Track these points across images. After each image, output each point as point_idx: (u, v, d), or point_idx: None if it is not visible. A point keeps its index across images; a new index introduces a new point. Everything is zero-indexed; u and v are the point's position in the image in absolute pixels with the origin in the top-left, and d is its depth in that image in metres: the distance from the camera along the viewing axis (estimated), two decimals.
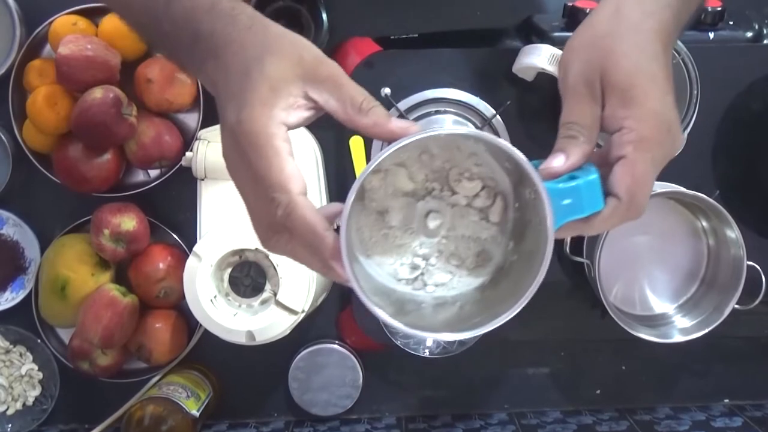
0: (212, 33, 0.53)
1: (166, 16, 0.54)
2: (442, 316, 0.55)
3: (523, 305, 0.54)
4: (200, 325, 0.96)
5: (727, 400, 1.13)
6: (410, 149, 0.54)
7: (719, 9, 0.96)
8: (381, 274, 0.55)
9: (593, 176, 0.52)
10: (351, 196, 0.50)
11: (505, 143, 0.52)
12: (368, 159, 0.98)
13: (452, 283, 0.56)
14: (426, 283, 0.56)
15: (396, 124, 0.53)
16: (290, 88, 0.52)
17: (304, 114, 0.53)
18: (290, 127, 0.52)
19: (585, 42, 0.56)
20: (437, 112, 0.98)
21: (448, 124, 0.83)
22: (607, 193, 0.53)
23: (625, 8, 0.55)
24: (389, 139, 0.52)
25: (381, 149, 0.64)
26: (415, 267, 0.56)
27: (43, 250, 1.05)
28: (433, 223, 0.55)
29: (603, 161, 0.55)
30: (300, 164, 0.53)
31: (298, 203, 0.51)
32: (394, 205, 0.56)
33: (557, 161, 0.55)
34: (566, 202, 0.52)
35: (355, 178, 0.67)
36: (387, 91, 0.97)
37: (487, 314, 0.54)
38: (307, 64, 0.52)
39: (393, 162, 0.55)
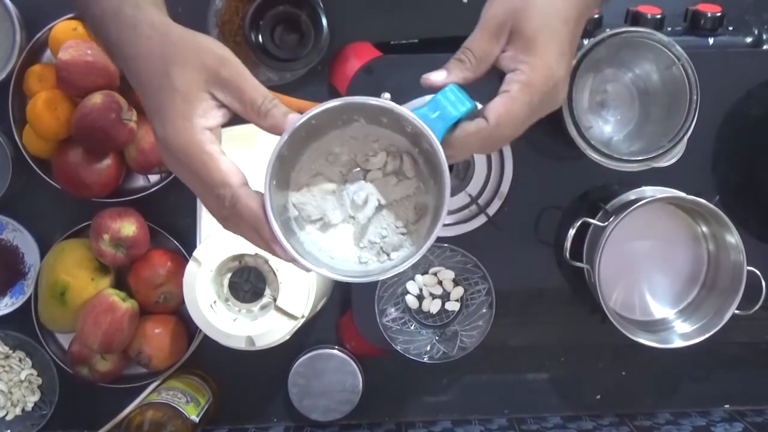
0: (119, 42, 0.57)
1: (87, 18, 0.59)
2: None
3: (438, 227, 0.59)
4: (200, 330, 0.96)
5: (727, 406, 1.13)
6: (317, 158, 0.61)
7: (719, 14, 0.96)
8: (348, 264, 0.61)
9: (450, 86, 0.59)
10: (270, 217, 0.56)
11: (372, 101, 0.56)
12: None
13: (406, 243, 0.62)
14: (388, 253, 0.62)
15: (291, 122, 0.56)
16: (200, 94, 0.56)
17: (220, 112, 0.58)
18: (212, 128, 0.57)
19: None
20: None
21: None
22: (479, 116, 0.59)
23: None
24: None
25: None
26: (373, 245, 0.61)
27: (42, 255, 1.05)
28: (361, 200, 0.60)
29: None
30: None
31: (239, 195, 0.56)
32: (328, 207, 0.61)
33: (437, 74, 0.60)
34: (435, 115, 0.58)
35: None
36: (387, 95, 0.96)
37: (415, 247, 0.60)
38: (209, 68, 0.56)
39: (308, 174, 0.61)
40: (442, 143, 0.58)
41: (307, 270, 0.57)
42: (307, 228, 0.62)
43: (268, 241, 0.57)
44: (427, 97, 0.60)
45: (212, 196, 0.57)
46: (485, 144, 0.60)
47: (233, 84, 0.57)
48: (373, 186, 0.61)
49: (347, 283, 0.65)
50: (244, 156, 0.98)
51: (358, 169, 0.62)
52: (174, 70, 0.55)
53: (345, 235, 0.62)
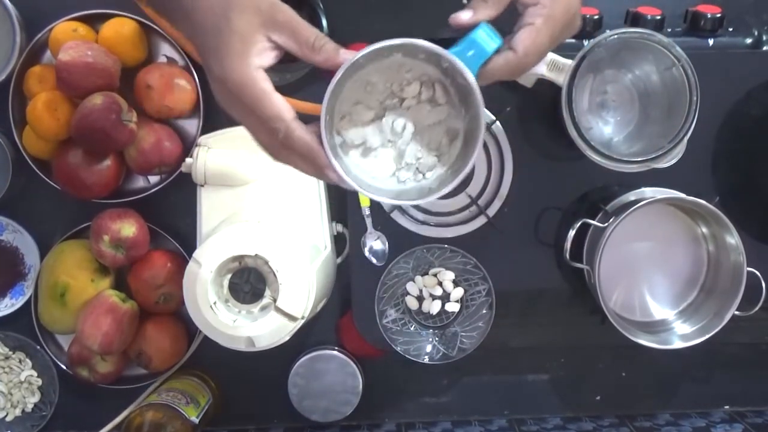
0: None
1: None
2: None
3: (474, 156, 0.64)
4: (200, 331, 0.96)
5: (727, 407, 1.13)
6: (357, 88, 0.66)
7: (719, 15, 0.96)
8: (389, 184, 0.67)
9: (482, 25, 0.64)
10: (324, 137, 0.61)
11: (414, 41, 0.62)
12: None
13: (439, 164, 0.68)
14: (424, 173, 0.68)
15: (343, 56, 0.61)
16: (256, 36, 0.60)
17: (273, 54, 0.62)
18: (266, 67, 0.61)
19: None
20: None
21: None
22: (508, 48, 0.65)
23: None
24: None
25: None
26: (410, 167, 0.68)
27: (42, 256, 1.05)
28: (400, 127, 0.66)
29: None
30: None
31: (292, 128, 0.61)
32: (368, 133, 0.66)
33: (465, 14, 0.65)
34: (470, 53, 0.64)
35: None
36: None
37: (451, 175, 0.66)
38: (265, 12, 0.60)
39: (350, 103, 0.66)
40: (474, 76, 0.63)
41: (355, 191, 0.63)
42: (350, 153, 0.67)
43: (322, 167, 0.62)
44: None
45: (265, 129, 0.61)
46: (513, 72, 0.66)
47: (289, 26, 0.61)
48: (409, 113, 0.66)
49: (339, 281, 0.76)
50: (244, 156, 0.98)
51: (395, 98, 0.66)
52: (233, 14, 0.59)
53: (385, 158, 0.67)
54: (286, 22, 0.60)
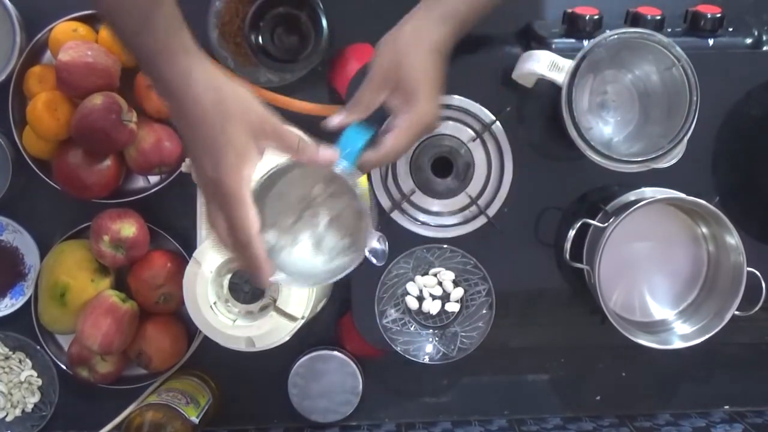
0: (171, 84, 0.67)
1: (131, 50, 0.68)
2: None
3: (368, 230, 0.75)
4: (200, 331, 0.96)
5: (727, 407, 1.13)
6: (275, 200, 0.76)
7: (718, 15, 0.96)
8: (314, 269, 0.78)
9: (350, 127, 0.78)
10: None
11: (294, 162, 0.72)
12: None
13: (352, 243, 0.78)
14: (341, 253, 0.78)
15: (322, 153, 0.72)
16: (249, 148, 0.67)
17: (259, 157, 0.70)
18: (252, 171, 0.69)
19: (390, 47, 0.77)
20: None
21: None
22: (379, 143, 0.78)
23: (421, 34, 0.77)
24: (321, 165, 0.72)
25: None
26: (330, 251, 0.78)
27: (42, 256, 1.05)
28: (316, 222, 0.78)
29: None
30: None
31: (253, 241, 0.68)
32: (293, 232, 0.78)
33: (336, 118, 0.78)
34: (346, 152, 0.76)
35: None
36: None
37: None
38: (255, 125, 0.68)
39: (274, 214, 0.76)
40: (354, 164, 0.76)
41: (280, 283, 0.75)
42: (282, 253, 0.77)
43: (260, 274, 0.70)
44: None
45: (231, 229, 0.68)
46: (382, 162, 0.80)
47: (275, 134, 0.69)
48: (321, 207, 0.78)
49: (339, 281, 0.79)
50: None
51: (307, 199, 0.77)
52: (229, 127, 0.66)
53: (308, 247, 0.78)
54: (274, 131, 0.69)
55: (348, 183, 0.74)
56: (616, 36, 0.88)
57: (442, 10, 0.77)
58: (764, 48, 0.98)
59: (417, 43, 0.76)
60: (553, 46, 0.96)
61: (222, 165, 0.66)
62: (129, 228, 1.00)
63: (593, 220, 0.93)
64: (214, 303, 0.93)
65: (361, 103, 0.78)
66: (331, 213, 0.78)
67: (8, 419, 1.08)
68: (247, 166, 0.67)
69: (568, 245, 0.93)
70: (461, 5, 0.77)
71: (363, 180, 0.82)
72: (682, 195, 0.94)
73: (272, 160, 0.72)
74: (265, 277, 0.70)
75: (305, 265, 0.77)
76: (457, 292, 1.01)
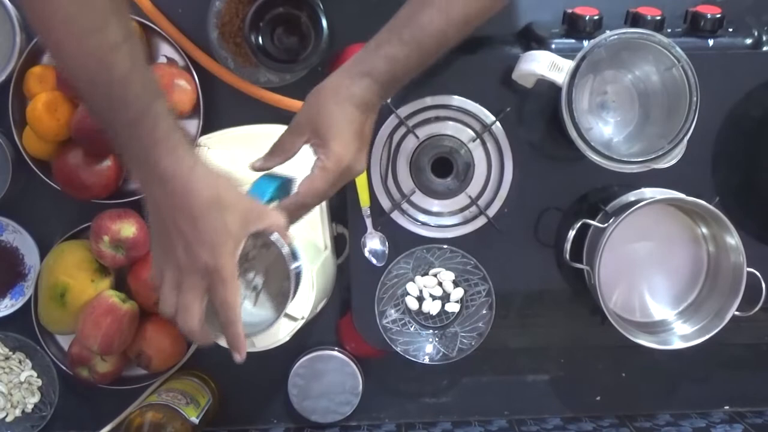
0: (170, 175, 0.70)
1: (119, 116, 0.69)
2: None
3: (291, 291, 0.80)
4: None
5: (727, 407, 1.13)
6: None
7: (718, 16, 0.96)
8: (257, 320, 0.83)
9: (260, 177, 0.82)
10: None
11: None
12: (368, 165, 0.98)
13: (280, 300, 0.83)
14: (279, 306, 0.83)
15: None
16: (242, 237, 0.73)
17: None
18: None
19: (314, 97, 0.81)
20: (437, 119, 0.98)
21: None
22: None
23: (341, 88, 0.80)
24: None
25: (381, 156, 0.97)
26: (268, 302, 0.84)
27: (42, 256, 1.05)
28: (254, 279, 0.84)
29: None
30: (300, 170, 0.81)
31: (239, 322, 0.74)
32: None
33: (258, 161, 0.82)
34: (264, 198, 0.80)
35: (355, 189, 0.99)
36: None
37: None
38: (247, 214, 0.74)
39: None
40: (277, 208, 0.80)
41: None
42: None
43: (241, 345, 0.76)
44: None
45: (199, 310, 0.73)
46: (300, 208, 0.81)
47: (260, 218, 0.75)
48: (256, 261, 0.83)
49: (339, 281, 0.88)
50: (243, 156, 0.98)
51: (244, 257, 0.81)
52: (228, 218, 0.71)
53: (249, 303, 0.83)
54: (259, 216, 0.75)
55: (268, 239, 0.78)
56: (616, 36, 0.88)
57: (362, 67, 0.80)
58: (764, 48, 0.98)
59: (336, 95, 0.79)
60: (553, 47, 0.96)
61: (221, 253, 0.71)
62: (129, 228, 1.00)
63: (593, 220, 0.93)
64: None
65: (280, 148, 0.82)
66: (266, 263, 0.83)
67: (8, 420, 1.08)
68: (238, 251, 0.72)
69: (568, 245, 0.93)
70: (382, 64, 0.79)
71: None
72: (682, 195, 0.94)
73: None
74: (243, 350, 0.76)
75: (255, 317, 0.82)
76: (457, 293, 1.01)
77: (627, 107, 0.97)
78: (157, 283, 0.75)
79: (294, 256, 0.79)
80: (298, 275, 0.80)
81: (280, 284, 0.82)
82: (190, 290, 0.72)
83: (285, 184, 0.82)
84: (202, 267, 0.71)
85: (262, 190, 0.80)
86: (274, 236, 0.77)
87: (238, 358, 0.75)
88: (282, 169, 0.83)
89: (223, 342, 0.76)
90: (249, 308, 0.83)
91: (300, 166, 0.82)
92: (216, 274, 0.71)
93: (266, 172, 0.82)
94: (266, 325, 0.81)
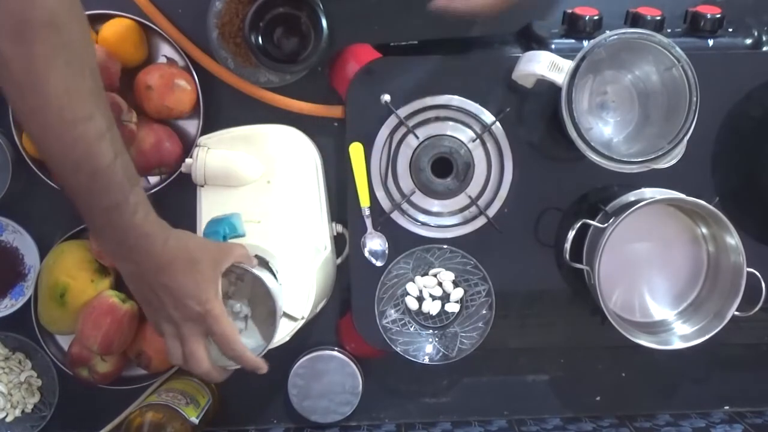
0: (148, 252, 0.76)
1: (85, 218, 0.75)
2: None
3: (276, 320, 0.87)
4: None
5: (727, 407, 1.13)
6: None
7: (718, 16, 0.96)
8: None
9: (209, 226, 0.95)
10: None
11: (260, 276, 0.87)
12: (368, 165, 0.98)
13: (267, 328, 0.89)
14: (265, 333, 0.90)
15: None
16: (218, 277, 0.81)
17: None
18: None
19: None
20: (437, 119, 0.98)
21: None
22: None
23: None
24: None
25: (380, 156, 0.97)
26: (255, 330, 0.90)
27: (42, 256, 1.05)
28: (239, 309, 0.88)
29: None
30: (300, 171, 0.89)
31: (246, 350, 0.83)
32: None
33: None
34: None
35: (354, 184, 0.99)
36: (387, 97, 0.97)
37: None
38: (218, 260, 0.82)
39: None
40: None
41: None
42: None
43: (259, 365, 0.86)
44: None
45: (204, 352, 0.82)
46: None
47: (227, 260, 0.83)
48: (241, 291, 0.88)
49: (339, 281, 0.94)
50: (244, 156, 0.98)
51: (228, 287, 0.88)
52: (202, 267, 0.79)
53: (248, 329, 0.89)
54: (225, 255, 0.83)
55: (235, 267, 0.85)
56: (616, 36, 0.88)
57: None
58: (764, 48, 0.99)
59: None
60: (553, 47, 0.96)
61: (208, 299, 0.79)
62: None
63: (593, 220, 0.93)
64: None
65: None
66: (246, 293, 0.88)
67: (8, 420, 1.08)
68: (219, 292, 0.81)
69: (568, 246, 0.93)
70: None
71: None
72: (682, 195, 0.94)
73: None
74: (261, 366, 0.85)
75: (254, 340, 0.89)
76: (457, 293, 1.01)
77: (627, 107, 0.97)
78: (160, 335, 0.82)
79: (269, 270, 0.89)
80: (275, 288, 0.87)
81: (266, 305, 0.88)
82: (190, 338, 0.80)
83: (231, 220, 0.93)
84: (194, 315, 0.79)
85: (214, 231, 0.92)
86: (241, 266, 0.85)
87: (263, 371, 0.85)
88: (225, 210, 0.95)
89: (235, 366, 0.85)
90: (245, 335, 0.89)
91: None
92: (208, 316, 0.79)
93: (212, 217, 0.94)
94: (266, 345, 0.87)
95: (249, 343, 0.87)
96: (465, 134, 0.98)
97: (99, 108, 0.69)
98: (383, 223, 1.00)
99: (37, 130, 0.69)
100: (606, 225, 0.92)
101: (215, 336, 0.81)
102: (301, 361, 1.06)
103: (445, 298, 1.01)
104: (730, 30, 0.98)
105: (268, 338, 0.87)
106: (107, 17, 1.00)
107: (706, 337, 0.95)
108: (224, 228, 0.93)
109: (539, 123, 0.98)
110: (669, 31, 0.97)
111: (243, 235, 0.94)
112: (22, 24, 0.63)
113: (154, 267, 0.78)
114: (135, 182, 0.74)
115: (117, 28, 0.99)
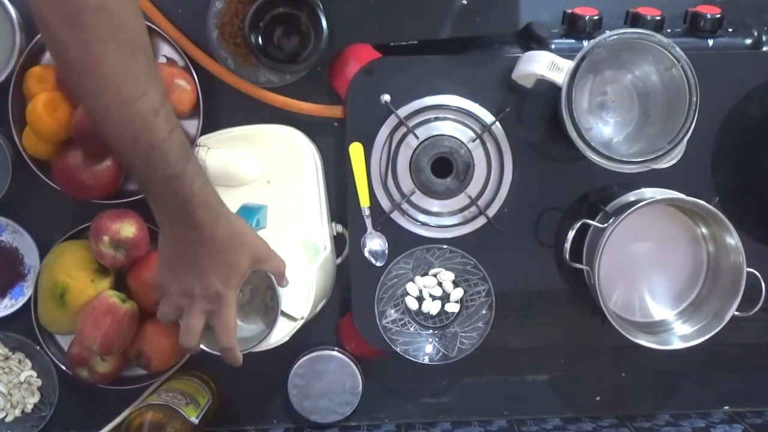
0: (200, 219, 0.78)
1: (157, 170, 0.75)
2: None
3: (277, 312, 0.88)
4: None
5: (727, 407, 1.13)
6: None
7: (718, 16, 0.96)
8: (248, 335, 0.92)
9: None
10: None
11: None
12: (368, 166, 0.98)
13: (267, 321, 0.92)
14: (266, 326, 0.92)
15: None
16: (247, 273, 0.84)
17: None
18: None
19: None
20: (437, 119, 0.98)
21: None
22: None
23: None
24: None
25: (380, 156, 0.97)
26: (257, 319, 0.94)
27: (42, 256, 1.05)
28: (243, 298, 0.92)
29: None
30: (300, 171, 0.90)
31: (232, 339, 0.84)
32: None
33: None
34: None
35: (354, 184, 0.99)
36: (386, 97, 0.97)
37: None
38: (255, 255, 0.84)
39: None
40: None
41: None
42: None
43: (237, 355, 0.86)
44: None
45: (199, 326, 0.83)
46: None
47: (266, 259, 0.86)
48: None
49: (339, 281, 0.96)
50: (244, 156, 0.98)
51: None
52: (241, 257, 0.82)
53: (239, 317, 0.89)
54: (266, 257, 0.85)
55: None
56: (615, 36, 0.88)
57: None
58: (764, 48, 0.99)
59: None
60: (553, 47, 0.96)
61: (230, 284, 0.82)
62: (129, 228, 1.00)
63: (593, 220, 0.93)
64: None
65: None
66: (251, 284, 0.91)
67: (8, 420, 1.08)
68: (241, 283, 0.83)
69: (567, 246, 0.93)
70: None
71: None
72: (682, 195, 0.94)
73: None
74: (239, 361, 0.86)
75: (244, 330, 0.90)
76: (457, 293, 1.01)
77: (627, 107, 0.97)
78: (157, 291, 0.84)
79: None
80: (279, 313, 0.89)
81: (263, 299, 0.91)
82: (196, 313, 0.83)
83: (262, 211, 0.95)
84: (212, 294, 0.81)
85: (245, 217, 0.91)
86: (272, 277, 0.88)
87: (237, 365, 0.86)
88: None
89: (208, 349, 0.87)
90: (239, 321, 0.89)
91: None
92: (223, 302, 0.82)
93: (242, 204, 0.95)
94: (257, 341, 0.88)
95: (240, 332, 0.88)
96: (465, 134, 0.98)
97: (153, 85, 0.72)
98: (383, 223, 1.00)
99: (96, 109, 0.71)
100: (606, 225, 0.92)
101: (219, 322, 0.83)
102: (301, 361, 1.06)
103: (445, 298, 1.01)
104: (730, 30, 0.98)
105: (261, 335, 0.88)
106: None
107: (706, 337, 0.95)
108: (256, 218, 0.93)
109: (539, 123, 0.98)
110: (669, 31, 0.97)
111: (265, 227, 0.95)
112: (76, 9, 0.66)
113: (199, 236, 0.79)
114: (190, 155, 0.77)
115: None
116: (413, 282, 1.01)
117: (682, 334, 0.97)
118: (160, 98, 0.73)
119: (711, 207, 0.92)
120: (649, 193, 0.96)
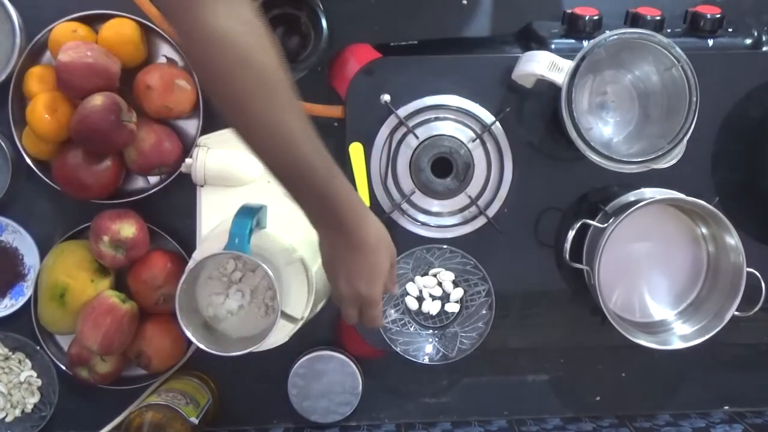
0: (352, 224, 0.80)
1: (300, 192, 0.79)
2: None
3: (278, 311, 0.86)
4: None
5: (727, 407, 1.13)
6: (203, 285, 0.91)
7: (718, 16, 0.96)
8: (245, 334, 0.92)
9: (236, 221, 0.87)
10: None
11: (207, 257, 0.86)
12: (368, 166, 0.98)
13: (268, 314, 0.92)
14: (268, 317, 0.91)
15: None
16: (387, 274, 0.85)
17: None
18: None
19: None
20: (437, 119, 0.98)
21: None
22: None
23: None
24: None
25: (380, 156, 0.96)
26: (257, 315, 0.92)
27: (42, 256, 1.05)
28: (242, 296, 0.90)
29: None
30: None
31: (377, 314, 0.86)
32: (225, 305, 0.91)
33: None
34: (236, 241, 0.86)
35: (354, 184, 0.98)
36: (386, 97, 0.97)
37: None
38: (393, 258, 0.85)
39: (207, 296, 0.91)
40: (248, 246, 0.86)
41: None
42: (222, 324, 0.91)
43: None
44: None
45: (356, 317, 0.85)
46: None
47: (394, 264, 0.86)
48: (241, 282, 0.90)
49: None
50: (244, 156, 0.98)
51: (227, 276, 0.90)
52: (384, 259, 0.83)
53: (239, 317, 0.90)
54: (394, 262, 0.86)
55: (252, 259, 0.85)
56: (615, 36, 0.88)
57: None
58: (764, 48, 0.99)
59: None
60: (553, 47, 0.96)
61: (376, 286, 0.83)
62: (129, 228, 1.00)
63: (593, 220, 0.93)
64: None
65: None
66: (251, 284, 0.90)
67: (8, 420, 1.08)
68: (383, 283, 0.84)
69: (567, 246, 0.93)
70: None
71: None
72: (682, 195, 0.94)
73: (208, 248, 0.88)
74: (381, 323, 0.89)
75: (244, 330, 0.90)
76: (457, 293, 1.01)
77: (627, 107, 0.97)
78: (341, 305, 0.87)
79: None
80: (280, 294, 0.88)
81: (263, 299, 0.90)
82: (349, 308, 0.85)
83: (263, 211, 0.91)
84: (358, 294, 0.83)
85: (242, 227, 0.87)
86: (272, 277, 0.87)
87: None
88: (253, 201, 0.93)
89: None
90: (239, 321, 0.90)
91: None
92: (368, 300, 0.84)
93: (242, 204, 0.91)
94: (257, 341, 0.87)
95: (233, 330, 0.89)
96: (465, 134, 0.98)
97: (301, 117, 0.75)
98: (383, 223, 1.00)
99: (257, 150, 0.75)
100: (606, 225, 0.92)
101: (366, 315, 0.85)
102: (301, 361, 1.06)
103: (445, 298, 1.01)
104: (730, 30, 0.98)
105: (257, 338, 0.88)
106: (107, 17, 1.00)
107: (706, 337, 0.95)
108: (256, 218, 0.91)
109: (539, 123, 0.98)
110: (669, 31, 0.97)
111: (265, 227, 0.94)
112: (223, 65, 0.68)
113: (350, 243, 0.81)
114: (335, 169, 0.78)
115: (117, 29, 0.99)
116: (413, 282, 1.01)
117: (682, 334, 0.97)
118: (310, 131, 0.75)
119: (711, 207, 0.92)
120: (649, 193, 0.96)
